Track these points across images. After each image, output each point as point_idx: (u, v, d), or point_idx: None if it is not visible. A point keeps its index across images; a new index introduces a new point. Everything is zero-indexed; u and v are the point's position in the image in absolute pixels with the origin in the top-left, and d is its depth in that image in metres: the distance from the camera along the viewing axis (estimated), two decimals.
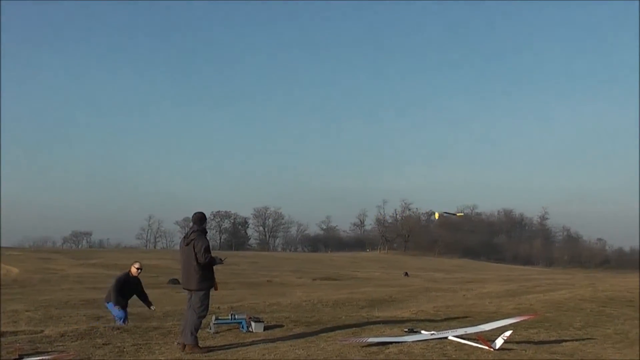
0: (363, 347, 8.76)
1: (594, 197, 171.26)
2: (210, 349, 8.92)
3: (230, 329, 10.76)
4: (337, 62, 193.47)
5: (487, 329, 9.63)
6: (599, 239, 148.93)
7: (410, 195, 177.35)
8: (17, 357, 8.17)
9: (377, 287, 33.36)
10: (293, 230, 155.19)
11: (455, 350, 8.51)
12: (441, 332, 9.69)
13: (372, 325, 11.25)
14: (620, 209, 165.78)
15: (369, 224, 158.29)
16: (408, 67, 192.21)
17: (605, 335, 10.57)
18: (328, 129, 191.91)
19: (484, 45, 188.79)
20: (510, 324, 9.92)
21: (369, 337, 9.70)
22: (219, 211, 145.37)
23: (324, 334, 10.20)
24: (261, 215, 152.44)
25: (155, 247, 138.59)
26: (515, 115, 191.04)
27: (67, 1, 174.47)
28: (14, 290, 29.92)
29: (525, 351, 8.63)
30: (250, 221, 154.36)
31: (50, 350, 8.84)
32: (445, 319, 12.45)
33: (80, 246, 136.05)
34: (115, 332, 10.18)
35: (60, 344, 9.33)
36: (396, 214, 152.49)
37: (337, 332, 10.47)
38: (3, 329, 11.41)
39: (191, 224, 9.37)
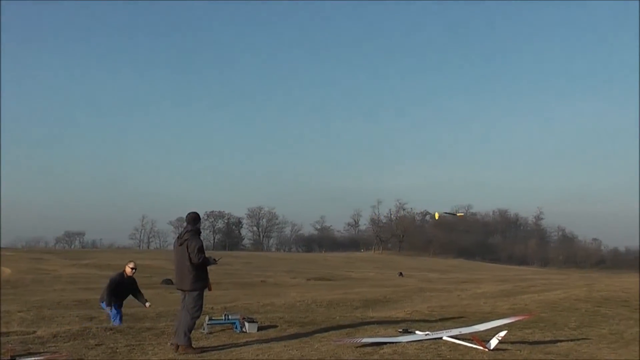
0: (357, 347, 8.73)
1: (590, 197, 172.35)
2: (203, 350, 8.88)
3: (223, 330, 10.71)
4: (333, 61, 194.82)
5: (481, 329, 9.61)
6: (594, 239, 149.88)
7: (404, 195, 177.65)
8: (9, 358, 8.10)
9: (371, 287, 33.38)
10: (287, 230, 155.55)
11: (450, 350, 8.49)
12: (436, 332, 9.66)
13: (366, 326, 11.22)
14: (616, 209, 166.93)
15: (364, 224, 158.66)
16: (405, 67, 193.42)
17: (600, 336, 10.57)
18: (322, 129, 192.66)
19: (483, 44, 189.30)
20: (505, 324, 9.91)
21: (363, 337, 9.66)
22: (212, 211, 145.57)
23: (318, 335, 10.17)
24: (255, 215, 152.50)
25: (148, 248, 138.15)
26: (510, 115, 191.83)
27: (68, 1, 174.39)
28: (6, 291, 29.76)
29: (520, 351, 8.62)
30: (244, 221, 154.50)
31: (42, 351, 8.78)
32: (440, 319, 12.43)
33: (73, 246, 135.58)
34: (108, 333, 10.13)
35: (53, 345, 9.27)
36: (391, 214, 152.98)
37: (331, 332, 10.43)
38: None
39: (185, 224, 9.33)
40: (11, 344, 9.24)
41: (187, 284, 8.84)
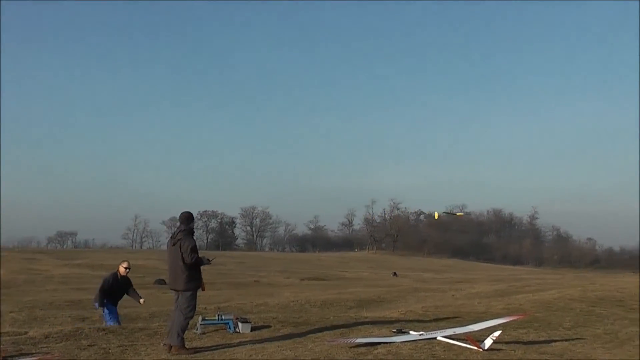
0: (351, 347, 8.70)
1: (585, 197, 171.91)
2: (196, 350, 8.84)
3: (217, 330, 10.68)
4: (328, 60, 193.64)
5: (476, 329, 9.60)
6: (589, 239, 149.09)
7: (399, 195, 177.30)
8: (1, 358, 8.03)
9: (365, 287, 33.41)
10: (281, 230, 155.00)
11: (444, 350, 8.48)
12: (430, 332, 9.65)
13: (360, 326, 11.20)
14: (611, 208, 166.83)
15: (358, 223, 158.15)
16: (400, 66, 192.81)
17: (594, 335, 10.59)
18: (316, 128, 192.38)
19: (482, 44, 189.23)
20: (500, 324, 9.90)
21: (357, 337, 9.64)
22: (206, 211, 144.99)
23: (312, 335, 10.15)
24: (248, 214, 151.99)
25: (141, 247, 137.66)
26: (505, 115, 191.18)
27: (67, 1, 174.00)
28: None
29: (515, 351, 8.62)
30: (237, 221, 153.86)
31: (34, 351, 8.73)
32: (434, 320, 12.43)
33: (65, 246, 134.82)
34: (100, 334, 10.07)
35: (45, 346, 9.21)
36: (385, 214, 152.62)
37: (325, 332, 10.42)
38: None
39: (178, 223, 9.28)
40: (2, 344, 9.17)
41: (180, 284, 8.79)
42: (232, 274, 50.00)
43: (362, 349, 8.57)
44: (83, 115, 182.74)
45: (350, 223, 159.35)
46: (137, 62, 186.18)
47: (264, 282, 40.66)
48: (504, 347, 8.89)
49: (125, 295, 12.77)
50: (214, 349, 9.00)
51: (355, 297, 22.49)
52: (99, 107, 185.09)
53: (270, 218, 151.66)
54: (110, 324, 11.81)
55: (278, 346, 8.99)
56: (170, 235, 9.31)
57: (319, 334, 10.19)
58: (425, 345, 8.82)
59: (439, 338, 9.16)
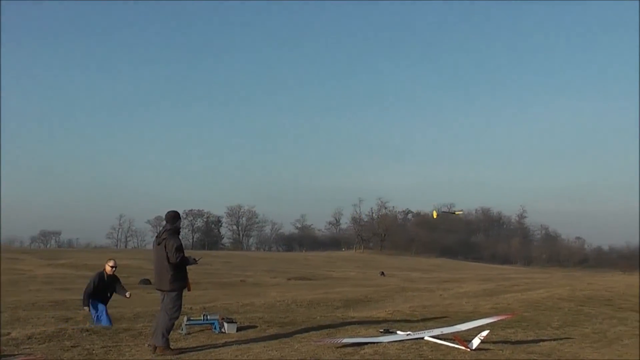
0: (338, 348, 8.68)
1: (574, 195, 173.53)
2: (181, 351, 8.76)
3: (202, 330, 10.61)
4: (316, 60, 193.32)
5: (463, 329, 9.61)
6: (578, 238, 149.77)
7: (386, 194, 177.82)
8: None
9: (352, 287, 33.43)
10: (267, 229, 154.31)
11: (432, 350, 8.47)
12: (417, 332, 9.64)
13: (347, 326, 11.19)
14: (600, 207, 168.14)
15: (345, 222, 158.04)
16: (387, 64, 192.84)
17: (583, 335, 10.63)
18: (304, 126, 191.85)
19: (480, 44, 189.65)
20: (488, 324, 9.92)
21: (343, 337, 9.62)
22: (191, 210, 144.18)
23: (298, 335, 10.12)
24: (235, 213, 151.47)
25: (126, 247, 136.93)
26: (498, 114, 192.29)
27: (67, 1, 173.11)
28: None
29: (502, 351, 8.63)
30: (223, 220, 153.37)
31: (17, 353, 8.61)
32: (422, 319, 12.43)
33: (48, 246, 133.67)
34: (84, 334, 9.94)
35: (27, 347, 9.08)
36: (372, 213, 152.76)
37: (311, 332, 10.39)
38: None
39: (164, 222, 9.17)
40: None
41: (166, 284, 8.70)
42: (218, 273, 49.81)
43: (349, 349, 8.54)
44: (64, 114, 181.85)
45: (337, 222, 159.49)
46: (135, 62, 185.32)
47: (250, 282, 40.55)
48: (491, 346, 8.89)
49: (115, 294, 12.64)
50: (199, 350, 8.93)
51: (342, 297, 22.46)
52: (82, 105, 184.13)
53: (256, 217, 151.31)
54: (103, 324, 11.66)
55: (264, 346, 8.94)
56: (156, 234, 9.21)
57: (306, 334, 10.16)
58: (412, 345, 8.81)
59: (426, 338, 9.15)
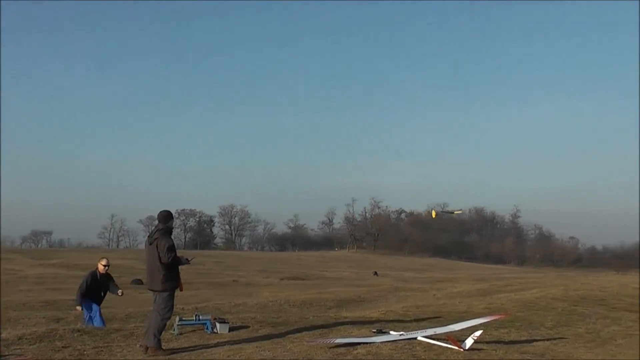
0: (330, 348, 8.66)
1: (568, 195, 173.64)
2: (173, 351, 8.72)
3: (194, 330, 10.57)
4: (309, 59, 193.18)
5: (457, 329, 9.60)
6: (572, 237, 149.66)
7: (379, 194, 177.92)
8: None
9: (345, 287, 33.41)
10: (260, 228, 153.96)
11: (425, 350, 8.45)
12: (410, 332, 9.63)
13: (340, 326, 11.18)
14: (594, 207, 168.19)
15: (338, 222, 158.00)
16: (380, 64, 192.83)
17: (576, 335, 10.66)
18: (297, 126, 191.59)
19: (480, 43, 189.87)
20: (481, 324, 9.91)
21: (336, 338, 9.60)
22: (184, 209, 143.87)
23: (291, 335, 10.10)
24: (227, 213, 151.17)
25: (118, 247, 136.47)
26: (492, 113, 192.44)
27: (67, 1, 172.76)
28: None
29: (496, 351, 8.62)
30: (216, 219, 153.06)
31: (7, 354, 8.53)
32: (415, 319, 12.43)
33: (40, 246, 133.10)
34: (75, 335, 9.87)
35: (18, 348, 9.00)
36: (365, 212, 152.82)
37: (304, 333, 10.37)
38: None
39: (156, 222, 9.12)
40: None
41: (158, 285, 8.65)
42: (211, 273, 49.70)
43: (342, 350, 8.52)
44: (55, 114, 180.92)
45: (330, 222, 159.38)
46: (130, 60, 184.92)
47: (242, 282, 40.46)
48: (485, 346, 8.89)
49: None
50: (191, 350, 8.89)
51: (335, 297, 22.44)
52: (73, 105, 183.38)
53: (249, 217, 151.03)
54: (96, 324, 11.58)
55: (256, 347, 8.91)
56: (148, 234, 9.15)
57: (298, 335, 10.15)
58: (405, 345, 8.79)
59: (419, 338, 9.14)
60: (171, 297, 8.73)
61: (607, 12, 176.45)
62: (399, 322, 11.77)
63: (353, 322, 11.66)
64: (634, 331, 11.53)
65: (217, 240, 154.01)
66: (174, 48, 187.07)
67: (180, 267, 8.84)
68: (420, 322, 12.00)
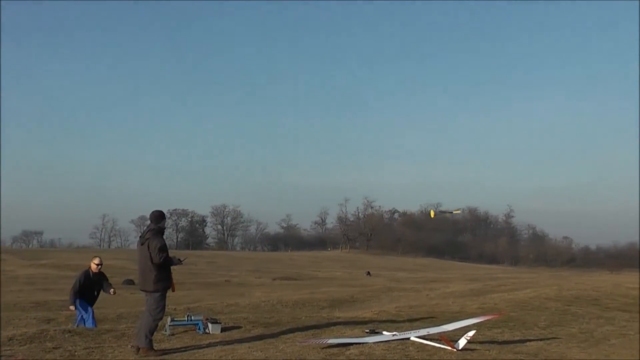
0: (323, 348, 8.65)
1: (562, 195, 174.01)
2: (165, 352, 8.68)
3: (186, 331, 10.52)
4: (303, 58, 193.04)
5: (450, 329, 9.59)
6: (565, 237, 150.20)
7: (372, 193, 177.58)
8: None
9: (338, 287, 33.37)
10: (252, 228, 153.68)
11: (418, 351, 8.44)
12: (403, 332, 9.63)
13: (332, 326, 11.16)
14: (588, 207, 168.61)
15: (331, 222, 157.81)
16: (370, 62, 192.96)
17: (570, 335, 10.67)
18: (290, 125, 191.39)
19: (479, 42, 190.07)
20: (474, 324, 9.90)
21: (329, 338, 9.59)
22: (175, 209, 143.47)
23: (283, 335, 10.08)
24: (219, 213, 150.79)
25: (109, 247, 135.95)
26: (491, 113, 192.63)
27: (66, 1, 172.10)
28: None
29: (489, 351, 8.62)
30: (208, 219, 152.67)
31: None
32: (408, 320, 12.41)
33: (30, 246, 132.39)
34: (66, 335, 9.81)
35: (8, 349, 8.94)
36: (358, 212, 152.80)
37: (296, 333, 10.35)
38: None
39: (148, 222, 9.06)
40: None
41: (149, 285, 8.62)
42: (203, 273, 49.54)
43: (334, 350, 8.50)
44: (46, 114, 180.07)
45: (323, 222, 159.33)
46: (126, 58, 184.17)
47: (235, 282, 40.36)
48: (478, 347, 8.89)
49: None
50: (183, 351, 8.86)
51: (328, 297, 22.39)
52: (65, 105, 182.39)
53: (241, 217, 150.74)
54: (88, 325, 11.50)
55: (249, 347, 8.89)
56: (140, 234, 9.10)
57: (291, 335, 10.13)
58: (398, 345, 8.79)
59: (412, 338, 9.13)
60: (163, 297, 8.69)
61: (607, 11, 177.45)
62: (392, 323, 11.76)
63: (346, 323, 11.64)
64: (628, 331, 11.58)
65: (210, 240, 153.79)
66: (174, 48, 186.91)
67: (172, 267, 8.80)
68: (414, 322, 11.99)
